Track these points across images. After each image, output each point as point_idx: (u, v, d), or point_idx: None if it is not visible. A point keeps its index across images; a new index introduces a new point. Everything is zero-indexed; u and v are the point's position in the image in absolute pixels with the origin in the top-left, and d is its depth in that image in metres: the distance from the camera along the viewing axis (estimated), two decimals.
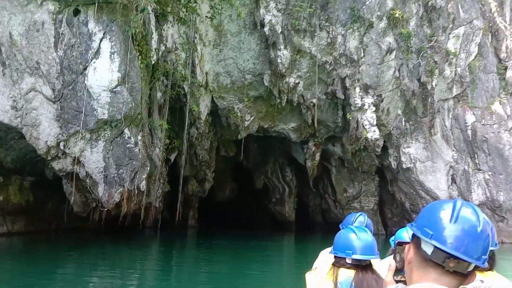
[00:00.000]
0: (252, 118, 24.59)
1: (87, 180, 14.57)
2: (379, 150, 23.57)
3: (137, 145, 14.07)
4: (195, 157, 25.33)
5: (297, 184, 30.31)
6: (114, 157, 14.01)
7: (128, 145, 13.94)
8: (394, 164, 24.53)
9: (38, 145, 13.67)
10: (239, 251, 17.92)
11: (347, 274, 2.91)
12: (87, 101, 13.02)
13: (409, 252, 1.47)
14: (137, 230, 23.60)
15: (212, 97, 23.79)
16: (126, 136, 13.93)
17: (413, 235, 1.48)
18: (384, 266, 3.05)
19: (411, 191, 25.40)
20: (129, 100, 13.12)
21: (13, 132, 14.65)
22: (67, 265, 13.13)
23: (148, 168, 15.11)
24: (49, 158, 14.12)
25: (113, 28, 12.71)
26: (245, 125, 24.50)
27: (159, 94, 18.81)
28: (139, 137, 14.82)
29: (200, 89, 22.46)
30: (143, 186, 16.40)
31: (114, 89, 12.96)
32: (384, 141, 23.78)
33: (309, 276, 3.22)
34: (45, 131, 13.55)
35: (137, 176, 14.44)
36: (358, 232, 3.02)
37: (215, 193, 30.10)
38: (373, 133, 22.70)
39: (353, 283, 2.87)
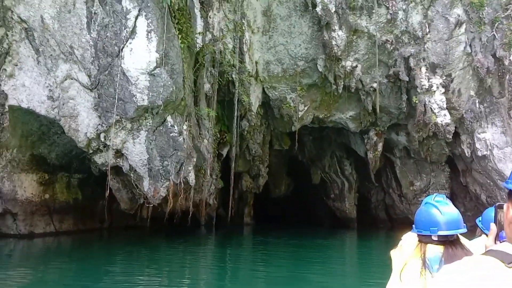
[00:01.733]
0: (306, 108, 22.70)
1: (131, 174, 13.34)
2: (450, 137, 20.88)
3: (181, 134, 12.64)
4: (248, 151, 23.78)
5: (358, 178, 28.03)
6: (157, 148, 12.67)
7: (171, 134, 12.54)
8: (468, 152, 21.74)
9: (78, 137, 12.57)
10: (297, 250, 16.12)
11: (435, 250, 2.79)
12: (125, 86, 11.75)
13: (509, 211, 1.42)
14: (192, 228, 22.42)
15: (263, 88, 22.13)
16: (169, 125, 12.54)
17: (510, 192, 1.44)
18: (474, 246, 2.94)
19: (488, 181, 22.43)
20: (169, 83, 11.71)
21: (55, 126, 13.70)
22: (119, 264, 11.93)
23: (195, 160, 13.65)
24: (91, 151, 13.01)
25: (148, 4, 11.35)
26: (299, 116, 22.65)
27: (207, 86, 17.40)
28: (184, 126, 13.40)
29: (250, 79, 20.93)
30: (192, 180, 15.00)
31: (153, 72, 11.60)
32: (456, 127, 21.08)
33: (394, 253, 2.99)
34: (84, 122, 12.43)
35: (183, 168, 13.02)
36: (440, 206, 2.86)
37: (270, 190, 28.43)
38: (443, 118, 20.13)
39: (442, 259, 2.73)
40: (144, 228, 20.91)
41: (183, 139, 12.68)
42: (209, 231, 22.97)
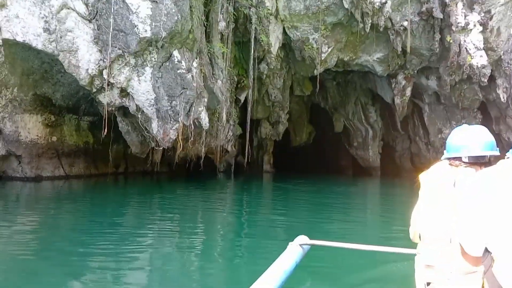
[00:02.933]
0: (329, 50, 20.99)
1: (139, 115, 12.27)
2: (485, 81, 19.01)
3: (190, 72, 11.37)
4: (267, 97, 22.45)
5: (382, 126, 26.50)
6: (164, 86, 11.48)
7: (179, 71, 11.30)
8: (503, 97, 19.88)
9: (79, 74, 11.47)
10: (317, 197, 15.09)
11: (467, 172, 2.60)
12: (125, 15, 10.45)
13: None
14: (211, 175, 21.62)
15: (284, 28, 20.41)
16: (176, 60, 11.27)
17: None
18: None
19: None
20: (173, 11, 10.34)
21: (58, 64, 12.57)
22: (132, 208, 10.93)
23: (206, 100, 12.44)
24: (94, 90, 11.92)
25: None
26: (322, 58, 20.99)
27: (222, 24, 15.87)
28: (194, 64, 12.11)
29: (269, 18, 19.27)
30: (205, 123, 13.88)
31: None
32: (492, 69, 19.13)
33: (423, 177, 2.80)
34: (84, 57, 11.27)
35: (193, 109, 11.84)
36: (472, 128, 2.77)
37: (291, 138, 27.24)
38: (479, 59, 18.22)
39: None
40: (161, 174, 20.20)
41: (192, 76, 11.43)
42: (228, 178, 22.12)
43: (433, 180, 2.72)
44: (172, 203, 11.79)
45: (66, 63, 11.27)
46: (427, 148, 24.87)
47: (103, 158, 16.69)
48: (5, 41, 11.11)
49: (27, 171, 12.85)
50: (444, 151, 2.83)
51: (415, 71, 21.82)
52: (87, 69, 11.36)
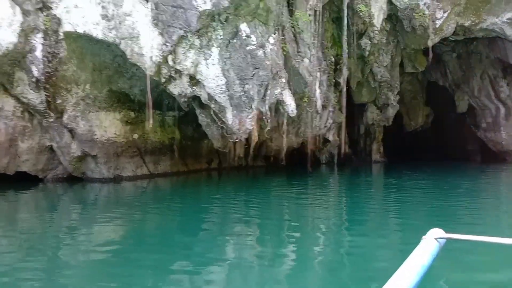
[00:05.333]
0: (446, 15, 17.10)
1: (212, 105, 10.41)
2: None
3: (262, 47, 9.12)
4: (372, 77, 19.22)
5: None
6: (234, 68, 9.45)
7: (248, 48, 9.17)
8: None
9: (144, 63, 9.97)
10: (443, 190, 11.84)
11: None
12: None
13: None
14: (312, 168, 19.19)
15: None
16: (244, 35, 9.15)
17: None
18: None
19: None
20: None
21: None
22: (231, 205, 9.51)
23: (284, 81, 10.09)
24: (163, 80, 10.36)
25: None
26: (437, 26, 17.20)
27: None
28: (271, 40, 9.85)
29: None
30: (292, 110, 11.57)
31: None
32: None
33: None
34: (146, 43, 9.71)
35: (269, 92, 9.59)
36: None
37: (404, 122, 23.48)
38: None
39: None
40: (256, 168, 18.37)
41: (264, 52, 9.17)
42: (331, 170, 19.42)
43: None
44: (264, 199, 9.96)
45: (128, 51, 9.83)
46: None
47: (194, 154, 15.31)
48: (67, 34, 10.05)
49: (104, 171, 11.84)
50: None
51: None
52: (151, 57, 9.79)
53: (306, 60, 11.73)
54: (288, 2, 11.53)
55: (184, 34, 9.29)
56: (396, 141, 24.30)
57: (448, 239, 3.81)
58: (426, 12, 16.89)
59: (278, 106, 11.90)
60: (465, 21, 17.36)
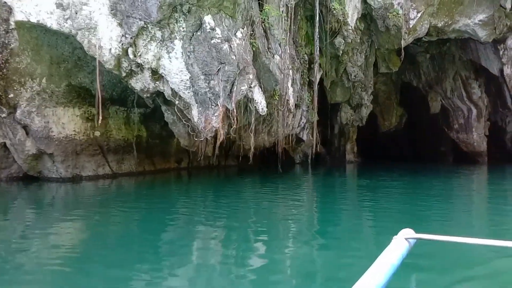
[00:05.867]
0: (419, 15, 16.90)
1: (177, 102, 9.80)
2: None
3: (228, 41, 8.57)
4: (346, 77, 18.87)
5: (489, 104, 21.46)
6: (198, 62, 8.86)
7: (212, 41, 8.57)
8: None
9: (103, 56, 9.28)
10: (415, 191, 11.61)
11: None
12: None
13: None
14: (286, 168, 18.71)
15: None
16: (208, 28, 8.55)
17: None
18: None
19: None
20: None
21: None
22: (198, 206, 9.08)
23: (251, 77, 9.56)
24: (124, 74, 9.67)
25: None
26: (410, 26, 16.98)
27: None
28: (239, 34, 9.29)
29: None
30: (262, 108, 11.07)
31: None
32: None
33: None
34: (104, 34, 9.03)
35: (235, 88, 9.04)
36: None
37: (378, 123, 23.27)
38: None
39: None
40: (229, 168, 17.82)
41: (230, 47, 8.62)
42: (305, 170, 19.01)
43: None
44: (237, 200, 9.64)
45: (86, 43, 9.13)
46: None
47: (162, 152, 14.63)
48: (19, 24, 9.29)
49: (61, 171, 11.06)
50: None
51: None
52: (110, 49, 9.11)
53: (277, 57, 11.21)
54: None
55: (145, 25, 8.67)
56: (370, 141, 24.10)
57: (418, 239, 3.82)
58: (400, 12, 16.65)
59: (247, 103, 11.38)
60: (438, 21, 17.20)
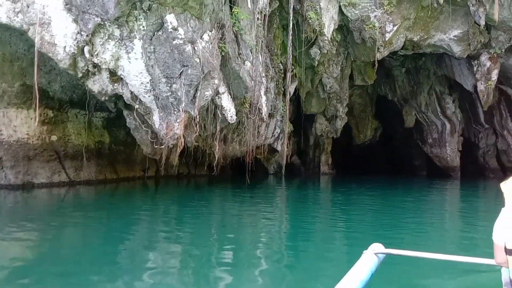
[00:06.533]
0: (395, 29, 16.56)
1: (137, 106, 9.05)
2: None
3: (191, 43, 7.90)
4: (321, 88, 18.42)
5: (462, 119, 21.33)
6: (159, 64, 8.14)
7: (174, 42, 7.88)
8: None
9: (57, 54, 8.49)
10: (388, 204, 11.16)
11: None
12: None
13: None
14: (260, 178, 18.03)
15: (340, 6, 16.37)
16: (170, 27, 7.86)
17: None
18: None
19: None
20: None
21: None
22: (162, 218, 8.56)
23: (216, 82, 8.89)
24: (80, 74, 8.88)
25: None
26: (386, 39, 16.62)
27: (262, 1, 12.30)
28: (205, 37, 8.63)
29: None
30: (231, 116, 10.40)
31: None
32: None
33: (505, 186, 2.70)
34: (59, 30, 8.25)
35: (199, 93, 8.36)
36: None
37: (353, 135, 22.89)
38: None
39: None
40: (200, 177, 17.03)
41: (193, 49, 7.96)
42: (278, 181, 18.38)
43: None
44: (207, 211, 9.07)
45: (38, 39, 8.33)
46: None
47: (126, 160, 13.77)
48: None
49: (10, 177, 10.13)
50: None
51: (503, 50, 16.90)
52: (65, 47, 8.33)
53: (248, 63, 10.59)
54: (230, 0, 10.39)
55: (102, 22, 7.95)
56: (345, 153, 23.69)
57: (388, 254, 3.78)
58: (376, 24, 16.30)
59: (216, 110, 10.71)
60: (414, 35, 16.93)
